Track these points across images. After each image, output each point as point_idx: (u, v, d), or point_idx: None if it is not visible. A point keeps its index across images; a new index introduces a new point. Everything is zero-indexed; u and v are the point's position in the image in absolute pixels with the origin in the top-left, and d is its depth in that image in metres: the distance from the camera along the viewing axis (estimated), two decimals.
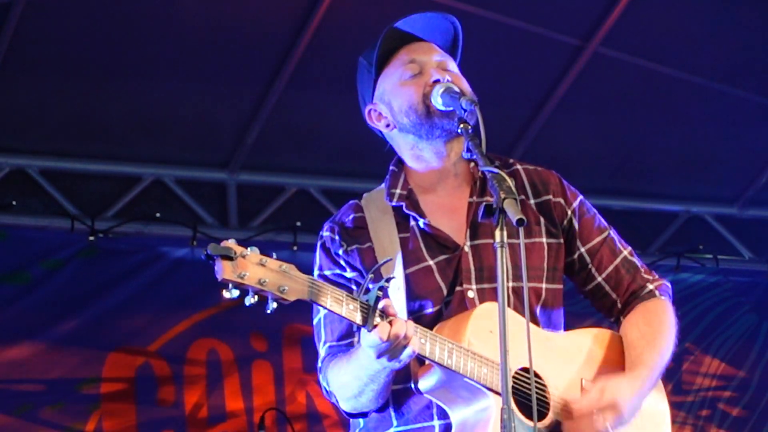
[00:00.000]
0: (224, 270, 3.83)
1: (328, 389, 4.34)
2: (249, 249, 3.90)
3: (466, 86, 4.35)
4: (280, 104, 8.12)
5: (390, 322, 3.97)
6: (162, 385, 8.19)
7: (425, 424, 4.23)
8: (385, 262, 4.17)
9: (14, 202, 8.12)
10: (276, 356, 8.39)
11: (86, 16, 7.71)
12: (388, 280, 4.04)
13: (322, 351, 4.36)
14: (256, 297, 3.91)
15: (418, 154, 4.38)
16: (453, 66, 4.45)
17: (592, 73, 8.23)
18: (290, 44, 7.92)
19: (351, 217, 4.46)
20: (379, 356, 4.02)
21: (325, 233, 4.42)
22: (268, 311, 3.92)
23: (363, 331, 4.01)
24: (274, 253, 3.96)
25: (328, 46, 7.82)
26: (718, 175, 9.03)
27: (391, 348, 3.99)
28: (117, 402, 8.12)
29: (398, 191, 4.40)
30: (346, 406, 4.31)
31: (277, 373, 8.33)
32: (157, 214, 8.30)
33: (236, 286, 3.84)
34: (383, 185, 4.49)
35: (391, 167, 4.50)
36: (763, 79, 8.46)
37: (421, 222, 4.36)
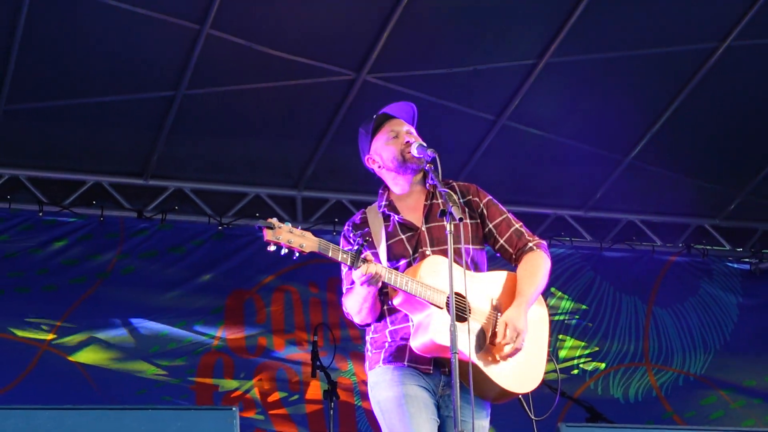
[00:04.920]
0: (266, 234, 4.10)
1: (345, 311, 4.55)
2: (284, 223, 4.16)
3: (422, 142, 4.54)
4: (327, 151, 8.29)
5: (367, 265, 4.24)
6: (258, 311, 8.44)
7: (405, 324, 4.45)
8: (366, 239, 4.42)
9: (176, 207, 8.45)
10: (323, 295, 8.55)
11: (215, 99, 7.88)
12: (365, 242, 4.34)
13: (344, 291, 4.57)
14: (287, 250, 4.15)
15: (396, 182, 4.63)
16: (414, 131, 4.63)
17: (502, 138, 8.32)
18: (333, 114, 8.03)
19: (359, 217, 4.67)
20: (362, 284, 4.28)
21: (345, 228, 4.66)
22: (294, 258, 4.19)
23: (353, 270, 4.28)
24: (299, 226, 4.32)
25: (356, 117, 7.38)
26: (572, 192, 9.04)
27: (368, 279, 4.26)
28: (233, 320, 8.41)
29: (383, 203, 4.64)
30: (356, 319, 4.52)
31: (323, 305, 8.54)
32: (257, 215, 8.47)
33: (274, 244, 4.12)
34: (377, 201, 4.69)
35: (379, 191, 4.70)
36: (603, 137, 8.52)
37: (396, 217, 4.58)
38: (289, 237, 4.16)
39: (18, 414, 3.85)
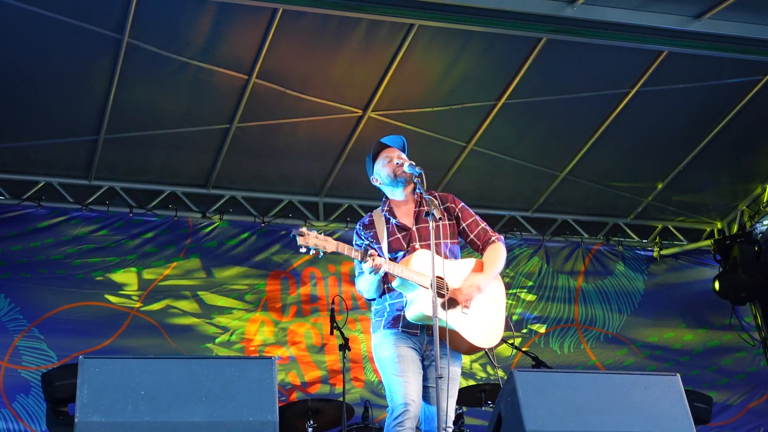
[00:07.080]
0: (299, 240, 4.14)
1: (358, 290, 4.59)
2: (312, 231, 4.19)
3: (411, 162, 4.56)
4: (342, 168, 8.21)
5: (373, 259, 4.27)
6: (291, 286, 8.36)
7: (400, 299, 4.48)
8: (372, 242, 4.38)
9: (231, 210, 8.37)
10: (339, 274, 8.46)
11: (259, 130, 7.70)
12: (370, 244, 4.42)
13: (356, 275, 4.58)
14: (313, 251, 4.17)
15: (392, 193, 4.67)
16: (403, 155, 4.63)
17: (471, 159, 8.21)
18: (346, 141, 7.94)
19: (367, 219, 4.66)
20: (369, 273, 4.32)
21: (357, 227, 4.64)
22: (320, 257, 4.25)
23: (362, 263, 4.33)
24: (323, 233, 4.25)
25: (363, 143, 7.73)
26: (521, 198, 8.90)
27: (374, 269, 4.29)
28: (272, 294, 8.29)
29: (385, 209, 4.64)
30: (365, 296, 4.57)
31: (339, 282, 8.46)
32: (290, 215, 8.52)
33: (304, 247, 4.15)
34: (381, 207, 4.69)
35: (383, 199, 4.71)
36: (544, 158, 8.30)
37: (394, 221, 4.58)
38: (315, 242, 4.16)
39: (114, 362, 3.83)
